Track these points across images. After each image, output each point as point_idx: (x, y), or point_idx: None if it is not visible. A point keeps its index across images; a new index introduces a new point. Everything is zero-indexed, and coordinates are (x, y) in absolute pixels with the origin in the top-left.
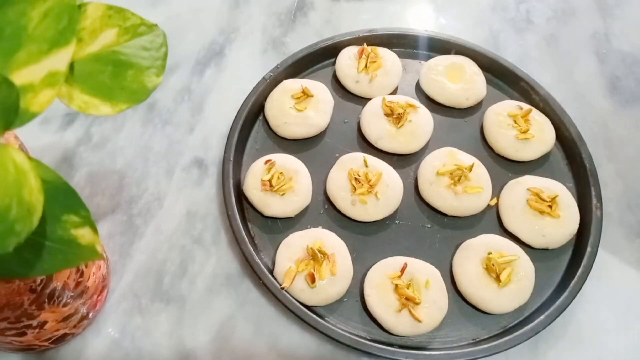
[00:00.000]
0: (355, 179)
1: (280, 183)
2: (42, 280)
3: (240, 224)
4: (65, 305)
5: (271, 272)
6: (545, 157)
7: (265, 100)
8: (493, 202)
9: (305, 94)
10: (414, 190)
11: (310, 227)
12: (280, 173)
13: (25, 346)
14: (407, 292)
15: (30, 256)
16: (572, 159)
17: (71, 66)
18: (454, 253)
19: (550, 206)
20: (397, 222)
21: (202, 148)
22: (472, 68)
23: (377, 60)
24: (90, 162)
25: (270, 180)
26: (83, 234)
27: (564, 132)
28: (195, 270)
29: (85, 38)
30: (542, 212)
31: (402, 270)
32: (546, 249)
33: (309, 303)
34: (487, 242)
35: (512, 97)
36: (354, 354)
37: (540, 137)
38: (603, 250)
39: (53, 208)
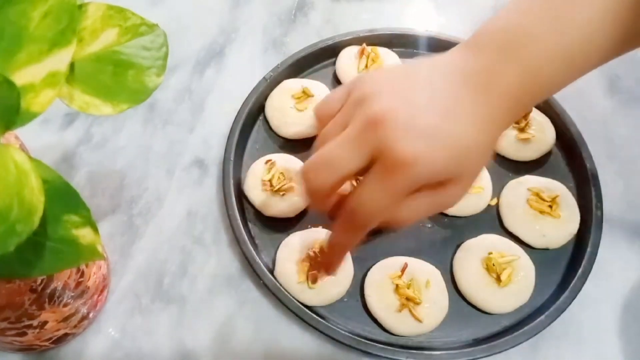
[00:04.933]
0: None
1: (280, 183)
2: (42, 280)
3: (241, 224)
4: (65, 305)
5: (271, 272)
6: (545, 157)
7: (265, 100)
8: (493, 202)
9: (306, 94)
10: None
11: (310, 227)
12: (281, 173)
13: (26, 346)
14: (407, 292)
15: (31, 256)
16: (572, 159)
17: (72, 66)
18: (454, 253)
19: (550, 206)
20: None
21: (203, 148)
22: None
23: (377, 60)
24: (90, 162)
25: (270, 181)
26: (84, 234)
27: (564, 132)
28: (196, 270)
29: (86, 38)
30: (542, 212)
31: (403, 270)
32: (546, 249)
33: (309, 303)
34: (488, 242)
35: None
36: (354, 354)
37: (540, 137)
38: (603, 250)
39: (54, 208)
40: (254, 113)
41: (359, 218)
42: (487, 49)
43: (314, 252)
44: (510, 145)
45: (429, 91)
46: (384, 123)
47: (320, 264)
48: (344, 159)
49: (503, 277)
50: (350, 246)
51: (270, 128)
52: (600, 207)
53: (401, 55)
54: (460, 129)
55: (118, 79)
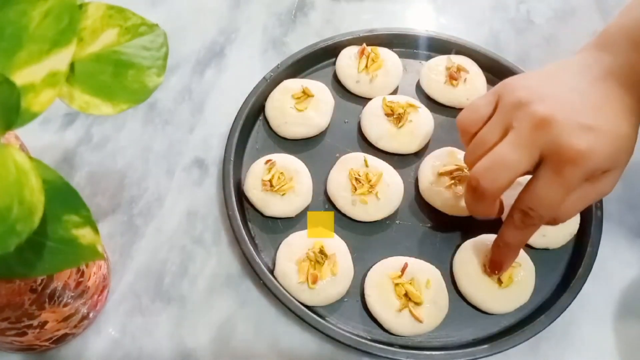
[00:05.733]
0: (356, 179)
1: (280, 183)
2: (42, 280)
3: (241, 224)
4: (65, 305)
5: (271, 272)
6: None
7: (265, 100)
8: None
9: (306, 94)
10: (414, 190)
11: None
12: (281, 173)
13: (26, 346)
14: (409, 288)
15: (31, 256)
16: None
17: (72, 66)
18: (454, 253)
19: None
20: (397, 222)
21: (203, 148)
22: (472, 68)
23: (377, 60)
24: (90, 162)
25: (270, 180)
26: (84, 234)
27: None
28: (196, 270)
29: (86, 38)
30: None
31: (403, 270)
32: (546, 249)
33: (309, 303)
34: (488, 242)
35: None
36: (354, 354)
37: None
38: (603, 250)
39: (54, 208)
40: (254, 113)
41: (536, 213)
42: (620, 46)
43: (314, 252)
44: None
45: (578, 93)
46: (553, 123)
47: (492, 263)
48: (517, 160)
49: (503, 277)
50: (524, 242)
51: (270, 128)
52: (600, 207)
53: (401, 55)
54: (615, 122)
55: (118, 79)
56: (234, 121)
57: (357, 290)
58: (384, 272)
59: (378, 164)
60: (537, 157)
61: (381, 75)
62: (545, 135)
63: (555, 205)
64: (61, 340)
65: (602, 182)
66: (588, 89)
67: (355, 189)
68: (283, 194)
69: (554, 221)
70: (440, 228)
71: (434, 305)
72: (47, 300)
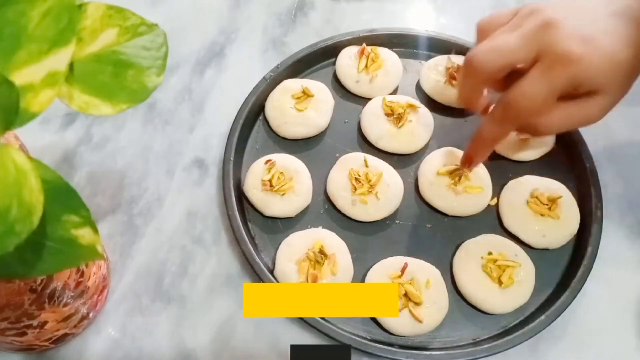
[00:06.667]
0: (356, 179)
1: (280, 183)
2: (42, 280)
3: (241, 224)
4: (65, 305)
5: (271, 272)
6: (545, 157)
7: (265, 100)
8: (493, 202)
9: (306, 94)
10: (414, 190)
11: (310, 227)
12: (281, 173)
13: (26, 346)
14: (410, 288)
15: (31, 256)
16: (572, 159)
17: (71, 66)
18: (454, 253)
19: (549, 208)
20: (397, 222)
21: (203, 148)
22: None
23: (377, 60)
24: (90, 162)
25: (270, 180)
26: (83, 234)
27: (564, 132)
28: (196, 270)
29: (86, 38)
30: (542, 215)
31: (403, 270)
32: (546, 249)
33: None
34: (488, 242)
35: None
36: (354, 354)
37: (541, 138)
38: (603, 250)
39: (53, 208)
40: (254, 113)
41: (516, 107)
42: None
43: (314, 252)
44: (510, 145)
45: (591, 15)
46: (555, 25)
47: (465, 157)
48: (513, 48)
49: (503, 277)
50: (498, 139)
51: (270, 128)
52: (600, 207)
53: (401, 55)
54: (616, 47)
55: (118, 79)
56: (234, 121)
57: None
58: (384, 272)
59: (378, 164)
60: (533, 54)
61: (381, 75)
62: (546, 34)
63: (536, 102)
64: (61, 340)
65: (588, 104)
66: (602, 16)
67: (355, 189)
68: (283, 194)
69: (534, 130)
70: (440, 228)
71: (434, 305)
72: (46, 300)
